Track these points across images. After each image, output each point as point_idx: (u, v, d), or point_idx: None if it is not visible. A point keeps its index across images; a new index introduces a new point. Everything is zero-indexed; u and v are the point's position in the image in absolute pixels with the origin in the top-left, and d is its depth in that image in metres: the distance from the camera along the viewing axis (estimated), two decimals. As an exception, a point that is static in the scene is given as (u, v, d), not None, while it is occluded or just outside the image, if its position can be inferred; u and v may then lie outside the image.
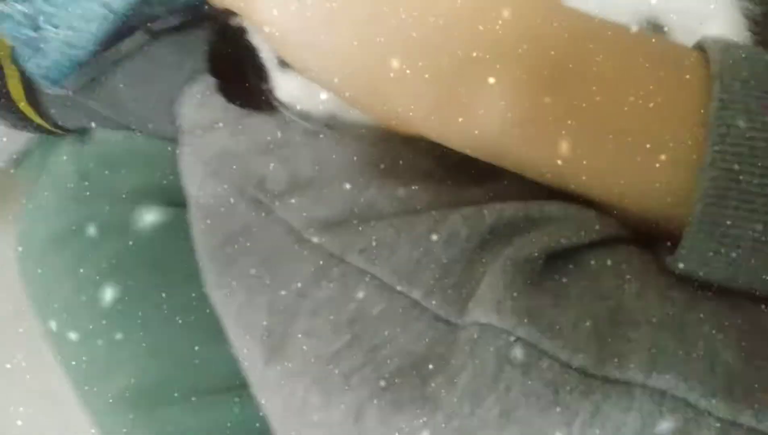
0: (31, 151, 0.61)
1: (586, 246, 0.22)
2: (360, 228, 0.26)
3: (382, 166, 0.29)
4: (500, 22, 0.22)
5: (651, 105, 0.21)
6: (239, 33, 0.32)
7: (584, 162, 0.22)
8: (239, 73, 0.34)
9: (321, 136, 0.32)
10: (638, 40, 0.23)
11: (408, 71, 0.23)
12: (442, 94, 0.23)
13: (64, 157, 0.51)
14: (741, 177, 0.19)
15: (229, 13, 0.33)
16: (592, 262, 0.21)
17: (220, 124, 0.39)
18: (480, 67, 0.22)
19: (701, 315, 0.19)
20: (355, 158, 0.30)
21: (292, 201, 0.31)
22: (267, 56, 0.32)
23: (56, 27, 0.40)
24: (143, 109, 0.47)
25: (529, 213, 0.23)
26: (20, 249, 0.51)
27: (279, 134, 0.35)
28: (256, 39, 0.32)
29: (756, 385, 0.17)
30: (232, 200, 0.35)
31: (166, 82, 0.45)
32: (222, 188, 0.36)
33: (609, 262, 0.21)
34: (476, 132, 0.23)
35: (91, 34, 0.41)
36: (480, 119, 0.22)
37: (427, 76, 0.22)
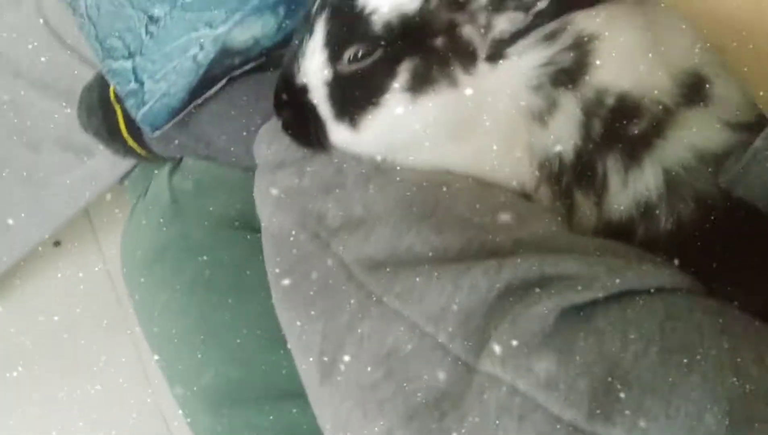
0: (135, 172, 0.71)
1: (600, 300, 0.24)
2: (398, 271, 0.30)
3: (422, 210, 0.33)
4: None
5: None
6: (301, 93, 0.37)
7: None
8: (302, 120, 0.39)
9: (370, 181, 0.37)
10: None
11: None
12: None
13: (160, 184, 0.59)
14: None
15: (293, 61, 0.37)
16: (601, 320, 0.24)
17: (289, 164, 0.44)
18: None
19: (696, 379, 0.21)
20: (397, 202, 0.34)
21: (346, 238, 0.36)
22: (324, 112, 0.37)
23: (156, 80, 0.47)
24: (226, 143, 0.54)
25: (544, 270, 0.25)
26: (125, 263, 0.59)
27: (336, 177, 0.39)
28: (315, 97, 0.37)
29: None
30: (295, 231, 0.40)
31: (244, 120, 0.51)
32: (288, 220, 0.42)
33: (617, 321, 0.23)
34: None
35: (183, 85, 0.48)
36: None
37: None
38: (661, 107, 0.32)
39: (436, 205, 0.33)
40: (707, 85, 0.32)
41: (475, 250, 0.29)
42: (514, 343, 0.23)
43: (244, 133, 0.52)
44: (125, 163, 0.71)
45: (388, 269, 0.31)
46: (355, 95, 0.34)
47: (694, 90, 0.32)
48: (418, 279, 0.28)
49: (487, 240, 0.29)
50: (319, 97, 0.36)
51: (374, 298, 0.30)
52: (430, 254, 0.30)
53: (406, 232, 0.32)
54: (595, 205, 0.33)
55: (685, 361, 0.21)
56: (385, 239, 0.33)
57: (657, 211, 0.31)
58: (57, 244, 1.12)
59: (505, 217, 0.31)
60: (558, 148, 0.32)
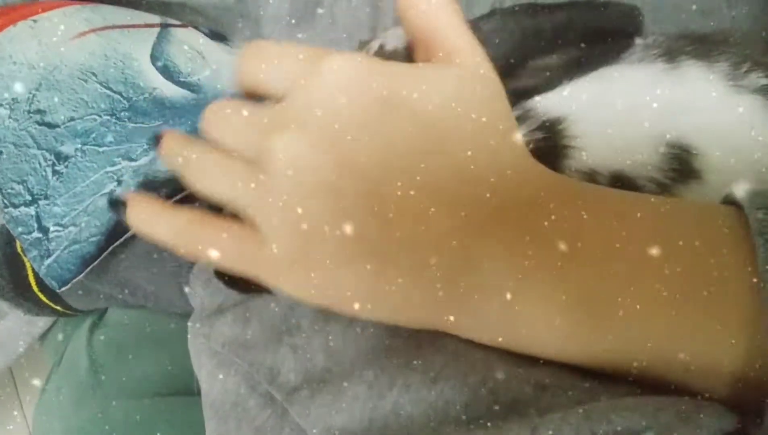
0: (53, 331, 0.60)
1: None
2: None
3: (404, 357, 0.25)
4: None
5: (696, 285, 0.19)
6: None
7: (638, 342, 0.20)
8: None
9: (330, 321, 0.29)
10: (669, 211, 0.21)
11: None
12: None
13: (77, 346, 0.49)
14: None
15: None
16: None
17: (229, 308, 0.36)
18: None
19: None
20: (371, 349, 0.26)
21: (308, 401, 0.27)
22: None
23: (64, 226, 0.40)
24: (155, 287, 0.45)
25: (594, 429, 0.18)
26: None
27: (287, 319, 0.31)
28: None
29: None
30: (242, 395, 0.32)
31: (174, 258, 0.44)
32: (232, 381, 0.33)
33: None
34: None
35: (97, 228, 0.40)
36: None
37: None
38: (656, 185, 0.28)
39: (419, 345, 0.26)
40: (695, 155, 0.29)
41: (486, 403, 0.21)
42: None
43: (176, 273, 0.44)
44: (42, 320, 0.61)
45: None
46: None
47: (683, 163, 0.29)
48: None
49: (499, 386, 0.22)
50: None
51: None
52: (426, 415, 0.22)
53: (388, 389, 0.24)
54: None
55: None
56: (360, 401, 0.25)
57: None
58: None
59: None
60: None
